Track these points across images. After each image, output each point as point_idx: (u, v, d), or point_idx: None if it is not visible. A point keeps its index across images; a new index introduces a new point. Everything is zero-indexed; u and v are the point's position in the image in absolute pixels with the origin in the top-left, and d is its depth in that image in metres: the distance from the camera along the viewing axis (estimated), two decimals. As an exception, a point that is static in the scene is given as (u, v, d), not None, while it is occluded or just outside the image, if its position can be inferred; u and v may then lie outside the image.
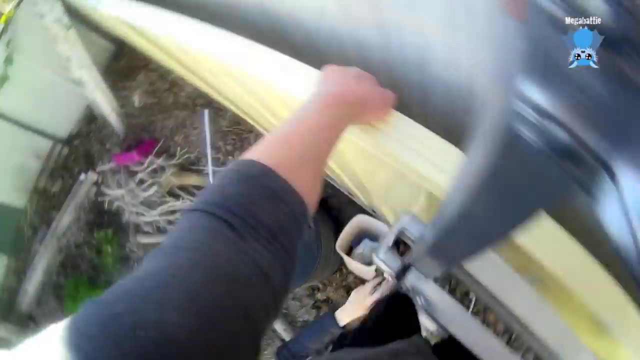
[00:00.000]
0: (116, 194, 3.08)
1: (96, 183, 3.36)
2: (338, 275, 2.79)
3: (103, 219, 3.24)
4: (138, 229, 3.03)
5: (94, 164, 3.38)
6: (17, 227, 3.95)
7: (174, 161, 2.83)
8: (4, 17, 3.79)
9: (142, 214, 2.94)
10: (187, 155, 2.81)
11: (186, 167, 2.84)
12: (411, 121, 0.63)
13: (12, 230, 4.00)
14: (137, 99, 3.11)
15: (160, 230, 2.95)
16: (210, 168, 2.62)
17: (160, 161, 2.81)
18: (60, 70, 3.96)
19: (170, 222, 2.88)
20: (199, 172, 2.81)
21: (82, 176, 3.43)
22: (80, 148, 3.56)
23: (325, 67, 0.65)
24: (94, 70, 3.49)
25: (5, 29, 3.85)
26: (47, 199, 3.69)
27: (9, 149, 3.78)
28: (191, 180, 2.81)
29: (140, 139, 3.06)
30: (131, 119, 3.11)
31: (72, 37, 3.60)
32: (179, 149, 2.80)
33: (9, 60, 3.87)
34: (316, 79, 0.63)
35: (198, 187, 2.81)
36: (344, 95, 0.55)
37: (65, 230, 3.48)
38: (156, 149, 2.91)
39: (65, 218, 3.47)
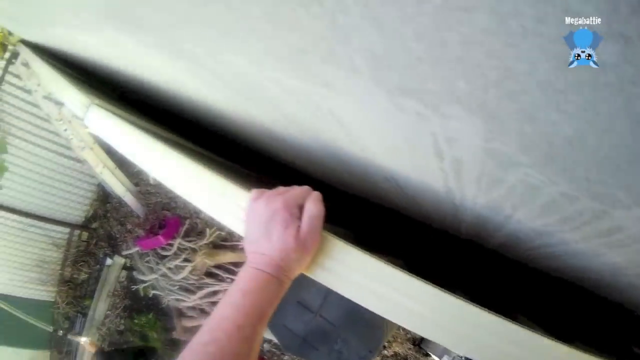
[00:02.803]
0: (150, 279, 2.92)
1: (125, 267, 3.20)
2: (402, 330, 2.62)
3: (141, 304, 3.09)
4: (181, 313, 2.88)
5: (118, 247, 3.21)
6: (52, 320, 3.83)
7: (204, 241, 2.65)
8: (-17, 96, 3.47)
9: (183, 300, 2.77)
10: (217, 232, 2.63)
11: (218, 245, 2.66)
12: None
13: (48, 324, 3.88)
14: (152, 176, 2.92)
15: (204, 312, 2.79)
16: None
17: (189, 243, 2.63)
18: (62, 150, 3.76)
19: (213, 304, 2.72)
20: (234, 247, 2.63)
21: (109, 261, 3.26)
22: (100, 230, 3.38)
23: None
24: (98, 149, 3.28)
25: (-13, 110, 3.55)
26: (75, 288, 3.54)
27: (24, 243, 3.64)
28: (227, 257, 2.64)
29: (164, 219, 2.88)
30: (149, 197, 2.92)
31: (66, 114, 3.35)
32: (207, 228, 2.61)
33: (1, 147, 3.62)
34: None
35: (236, 264, 2.64)
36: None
37: (104, 318, 3.34)
38: (183, 230, 2.73)
39: (101, 306, 3.32)
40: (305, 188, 0.59)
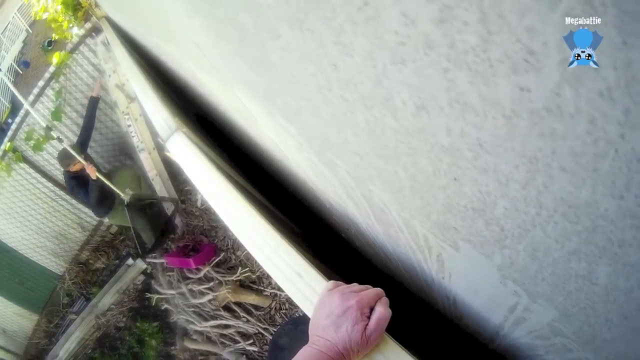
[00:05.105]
0: (166, 294, 3.09)
1: (145, 272, 3.37)
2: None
3: (148, 311, 3.25)
4: (186, 334, 3.04)
5: (144, 251, 3.38)
6: (52, 291, 3.94)
7: (233, 277, 2.85)
8: (57, 57, 3.53)
9: (193, 322, 2.95)
10: (248, 274, 2.84)
11: (245, 285, 2.86)
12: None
13: (47, 294, 3.98)
14: (200, 199, 3.14)
15: (210, 340, 2.96)
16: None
17: (217, 274, 2.83)
18: (118, 141, 3.93)
19: (222, 336, 2.89)
20: (260, 292, 2.84)
21: (130, 261, 3.44)
22: (130, 230, 3.56)
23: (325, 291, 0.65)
24: (156, 155, 3.45)
25: (57, 74, 3.59)
26: (87, 273, 3.69)
27: (49, 212, 3.72)
28: (250, 298, 2.84)
29: (200, 242, 3.08)
30: (191, 219, 3.14)
31: (134, 111, 3.49)
32: (239, 267, 2.82)
33: (56, 115, 3.68)
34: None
35: (256, 307, 2.83)
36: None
37: (106, 310, 3.48)
38: (215, 260, 2.93)
39: (107, 298, 3.46)
40: (378, 291, 0.64)
